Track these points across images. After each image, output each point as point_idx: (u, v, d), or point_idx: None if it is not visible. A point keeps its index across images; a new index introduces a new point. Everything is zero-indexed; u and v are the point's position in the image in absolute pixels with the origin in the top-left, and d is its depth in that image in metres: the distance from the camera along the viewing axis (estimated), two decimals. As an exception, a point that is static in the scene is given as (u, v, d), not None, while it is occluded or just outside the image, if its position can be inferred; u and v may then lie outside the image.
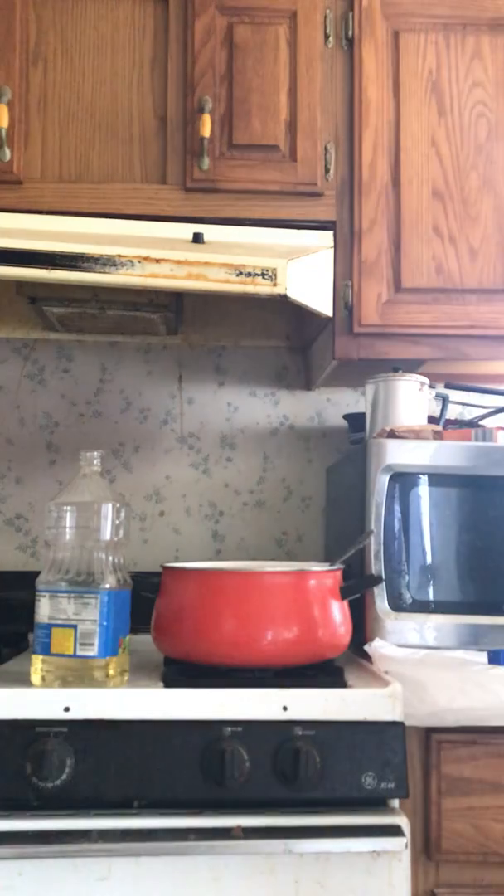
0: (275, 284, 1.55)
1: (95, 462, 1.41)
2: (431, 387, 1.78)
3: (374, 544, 1.55)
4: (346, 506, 1.77)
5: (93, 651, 1.30)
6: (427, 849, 1.35)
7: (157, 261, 1.54)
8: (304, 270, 1.62)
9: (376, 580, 1.49)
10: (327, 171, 1.75)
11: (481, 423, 1.87)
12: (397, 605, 1.54)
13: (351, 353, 1.75)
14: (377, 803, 1.25)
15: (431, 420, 1.79)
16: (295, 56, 1.75)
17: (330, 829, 1.20)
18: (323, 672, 1.39)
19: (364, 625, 1.54)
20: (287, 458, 2.13)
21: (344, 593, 1.41)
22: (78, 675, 1.29)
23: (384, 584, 1.53)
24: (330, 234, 1.74)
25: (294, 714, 1.25)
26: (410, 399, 1.72)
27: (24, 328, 2.09)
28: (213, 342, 2.13)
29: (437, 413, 1.82)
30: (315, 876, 1.21)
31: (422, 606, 1.54)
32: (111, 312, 1.86)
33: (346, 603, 1.42)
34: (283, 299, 1.58)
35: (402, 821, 1.22)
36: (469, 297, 1.76)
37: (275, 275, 1.55)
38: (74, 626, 1.30)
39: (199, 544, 2.09)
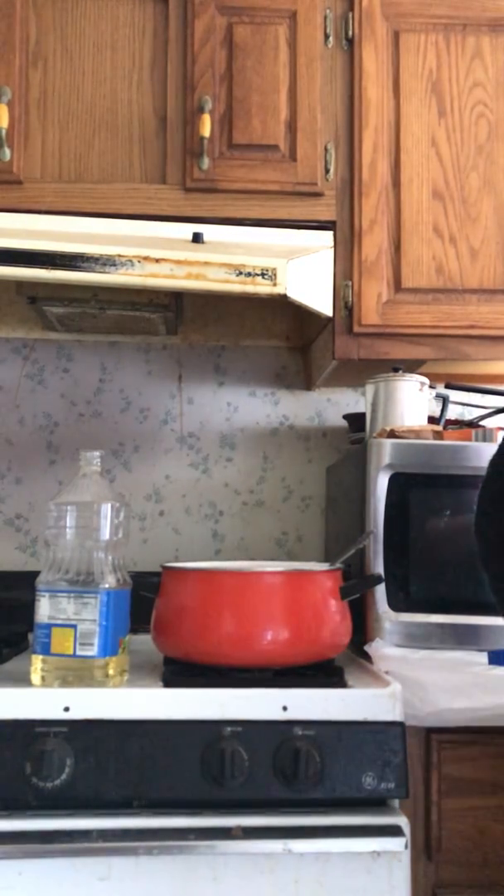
0: (275, 284, 1.55)
1: (95, 462, 1.41)
2: (431, 387, 1.78)
3: (374, 544, 1.55)
4: (346, 506, 1.77)
5: (92, 651, 1.30)
6: (427, 849, 1.35)
7: (157, 261, 1.54)
8: (303, 270, 1.62)
9: (376, 580, 1.49)
10: (327, 171, 1.75)
11: (481, 423, 1.86)
12: (397, 605, 1.54)
13: (351, 353, 1.75)
14: (377, 803, 1.25)
15: (431, 420, 1.79)
16: (295, 56, 1.75)
17: (330, 829, 1.20)
18: (323, 672, 1.39)
19: (364, 625, 1.54)
20: (287, 458, 2.13)
21: (344, 593, 1.42)
22: (78, 674, 1.29)
23: (384, 584, 1.53)
24: (330, 233, 1.74)
25: (294, 714, 1.25)
26: (410, 399, 1.72)
27: (24, 328, 2.09)
28: (213, 342, 2.13)
29: (437, 413, 1.82)
30: (315, 876, 1.21)
31: (421, 606, 1.54)
32: (111, 312, 1.86)
33: (346, 603, 1.42)
34: (283, 299, 1.58)
35: (402, 821, 1.22)
36: (469, 297, 1.76)
37: (274, 275, 1.55)
38: (74, 626, 1.30)
39: (199, 544, 2.09)
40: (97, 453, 1.41)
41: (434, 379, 1.82)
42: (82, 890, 1.18)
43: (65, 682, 1.29)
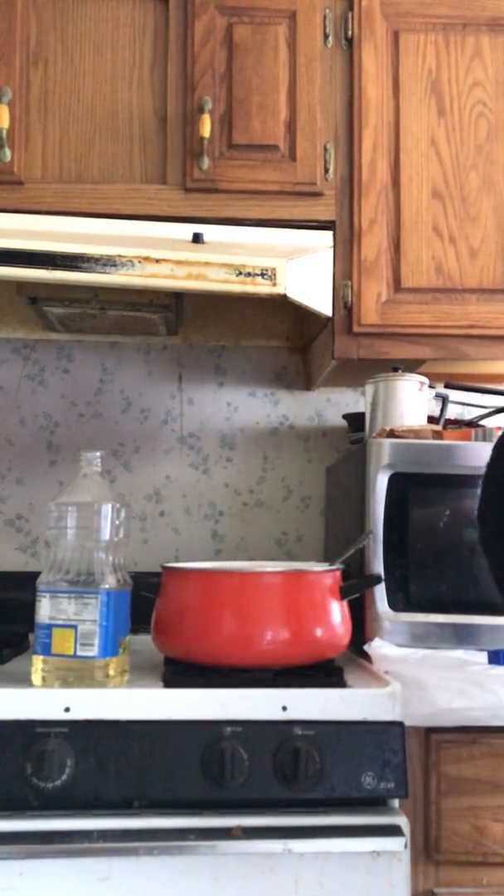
0: (274, 284, 1.55)
1: (95, 462, 1.41)
2: (431, 387, 1.78)
3: (374, 544, 1.55)
4: (346, 506, 1.77)
5: (93, 651, 1.30)
6: (427, 849, 1.35)
7: (157, 261, 1.54)
8: (303, 270, 1.62)
9: (376, 580, 1.49)
10: (327, 170, 1.75)
11: (481, 423, 1.87)
12: (397, 605, 1.54)
13: (351, 352, 1.75)
14: (377, 803, 1.25)
15: (431, 420, 1.79)
16: (294, 56, 1.75)
17: (330, 829, 1.20)
18: (323, 672, 1.39)
19: (364, 625, 1.54)
20: (287, 457, 2.13)
21: (344, 593, 1.42)
22: (78, 675, 1.29)
23: (384, 584, 1.53)
24: (329, 233, 1.74)
25: (294, 714, 1.25)
26: (410, 399, 1.72)
27: (24, 328, 2.09)
28: (213, 342, 2.13)
29: (437, 413, 1.82)
30: (315, 876, 1.21)
31: (422, 606, 1.54)
32: (111, 312, 1.86)
33: (345, 603, 1.42)
34: (283, 299, 1.58)
35: (402, 821, 1.22)
36: (469, 296, 1.76)
37: (274, 275, 1.55)
38: (75, 627, 1.30)
39: (199, 544, 2.09)
40: (97, 454, 1.42)
41: (434, 379, 1.82)
42: (82, 890, 1.18)
43: (65, 683, 1.29)
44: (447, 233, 1.76)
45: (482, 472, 1.58)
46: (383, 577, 1.53)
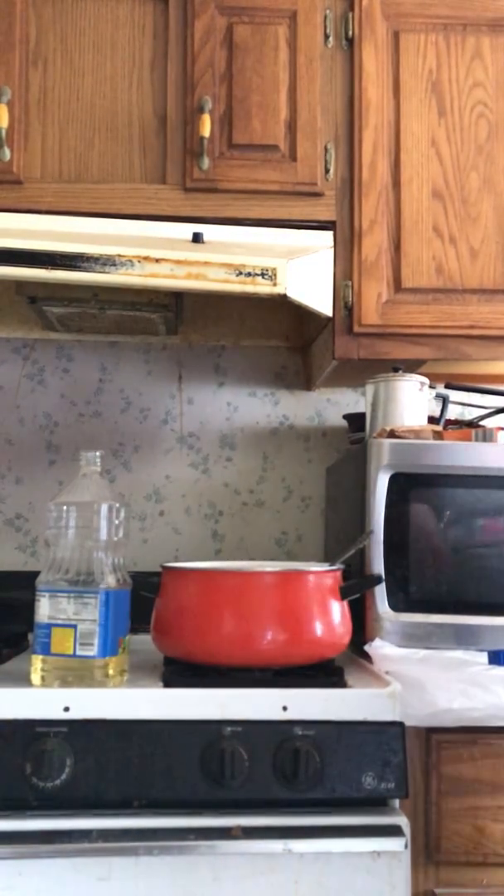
0: (274, 284, 1.55)
1: (95, 462, 1.41)
2: (431, 387, 1.78)
3: (374, 544, 1.55)
4: (346, 506, 1.77)
5: (92, 651, 1.30)
6: (427, 849, 1.35)
7: (157, 260, 1.54)
8: (303, 270, 1.62)
9: (376, 580, 1.49)
10: (327, 170, 1.75)
11: (481, 423, 1.86)
12: (397, 605, 1.54)
13: (351, 353, 1.75)
14: (377, 803, 1.25)
15: (431, 420, 1.79)
16: (295, 56, 1.75)
17: (330, 829, 1.20)
18: (323, 672, 1.39)
19: (364, 625, 1.54)
20: (287, 457, 2.13)
21: (344, 593, 1.41)
22: (78, 674, 1.29)
23: (384, 584, 1.53)
24: (330, 233, 1.74)
25: (294, 714, 1.25)
26: (410, 399, 1.72)
27: (24, 328, 2.09)
28: (213, 342, 2.13)
29: (437, 413, 1.82)
30: (315, 876, 1.21)
31: (421, 606, 1.54)
32: (111, 312, 1.86)
33: (346, 603, 1.42)
34: (283, 299, 1.58)
35: (402, 821, 1.22)
36: (469, 297, 1.76)
37: (274, 274, 1.55)
38: (74, 626, 1.30)
39: (199, 544, 2.09)
40: (97, 453, 1.42)
41: (434, 379, 1.81)
42: (82, 890, 1.18)
43: (65, 682, 1.29)
44: (447, 233, 1.76)
45: (482, 472, 1.59)
46: (383, 577, 1.53)
